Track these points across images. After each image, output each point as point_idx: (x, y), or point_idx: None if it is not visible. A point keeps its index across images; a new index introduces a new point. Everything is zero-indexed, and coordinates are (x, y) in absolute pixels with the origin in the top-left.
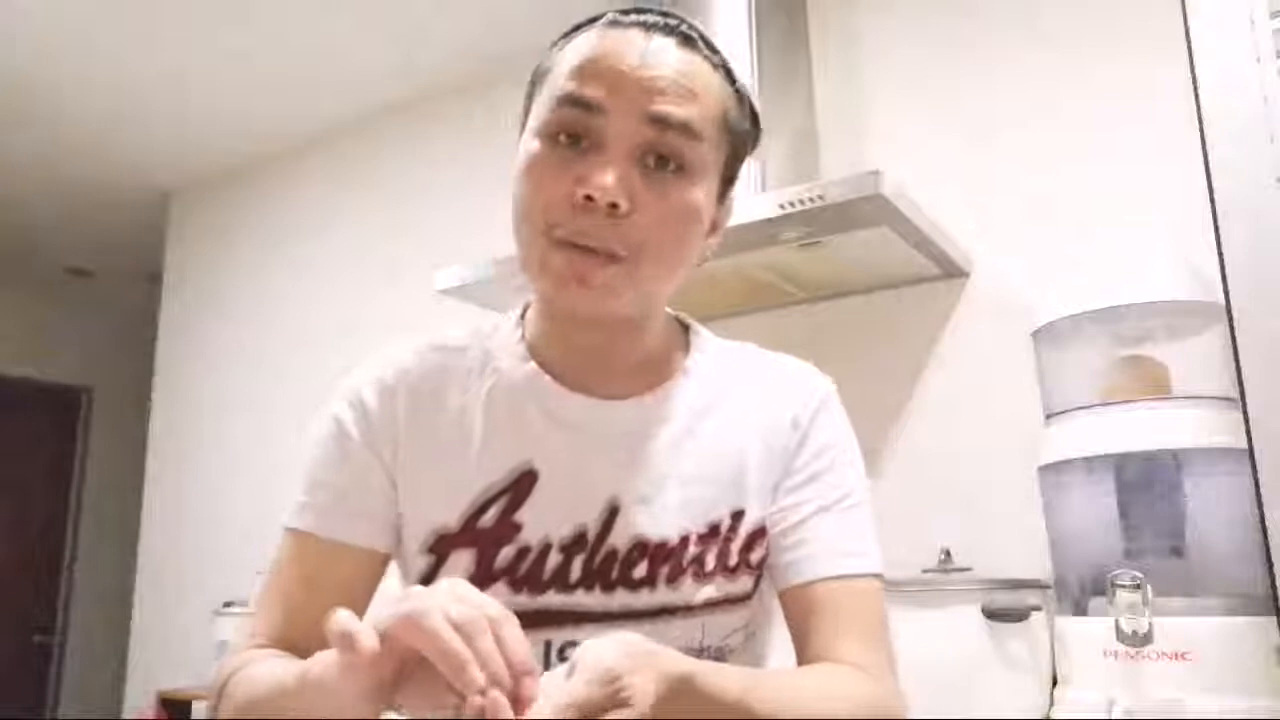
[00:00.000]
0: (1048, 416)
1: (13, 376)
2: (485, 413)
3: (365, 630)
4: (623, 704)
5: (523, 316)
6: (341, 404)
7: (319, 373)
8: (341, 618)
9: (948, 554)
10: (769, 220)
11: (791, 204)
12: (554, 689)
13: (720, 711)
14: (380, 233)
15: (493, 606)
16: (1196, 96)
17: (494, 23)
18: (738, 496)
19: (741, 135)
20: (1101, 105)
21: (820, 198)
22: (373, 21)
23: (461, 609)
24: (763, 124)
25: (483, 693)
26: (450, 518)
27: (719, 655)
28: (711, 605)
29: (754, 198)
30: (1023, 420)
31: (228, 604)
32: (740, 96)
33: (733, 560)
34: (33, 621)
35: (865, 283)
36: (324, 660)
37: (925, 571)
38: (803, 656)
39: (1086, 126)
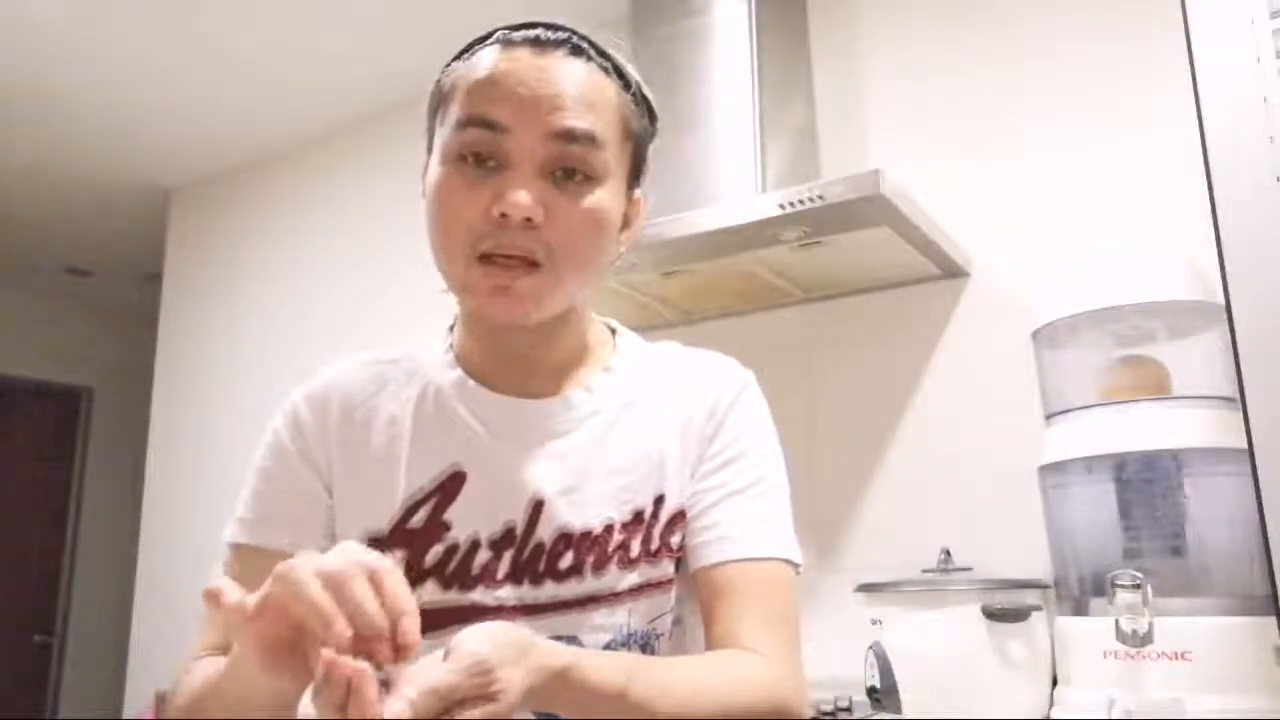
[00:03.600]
0: (1048, 416)
1: (13, 376)
2: (415, 419)
3: (231, 588)
4: (490, 698)
5: (451, 330)
6: (278, 418)
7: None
8: (211, 582)
9: (948, 554)
10: (769, 220)
11: (791, 204)
12: (424, 674)
13: (602, 703)
14: (381, 232)
15: (372, 556)
16: (1196, 97)
17: (492, 23)
18: (659, 482)
19: (641, 134)
20: (1102, 105)
21: (820, 198)
22: (372, 22)
23: (335, 559)
24: (763, 124)
25: (352, 649)
26: (381, 521)
27: (646, 641)
28: (635, 591)
29: (754, 198)
30: (1023, 420)
31: None
32: (635, 97)
33: (655, 544)
34: (33, 621)
35: (865, 283)
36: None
37: (925, 571)
38: (709, 640)
39: (1086, 126)
